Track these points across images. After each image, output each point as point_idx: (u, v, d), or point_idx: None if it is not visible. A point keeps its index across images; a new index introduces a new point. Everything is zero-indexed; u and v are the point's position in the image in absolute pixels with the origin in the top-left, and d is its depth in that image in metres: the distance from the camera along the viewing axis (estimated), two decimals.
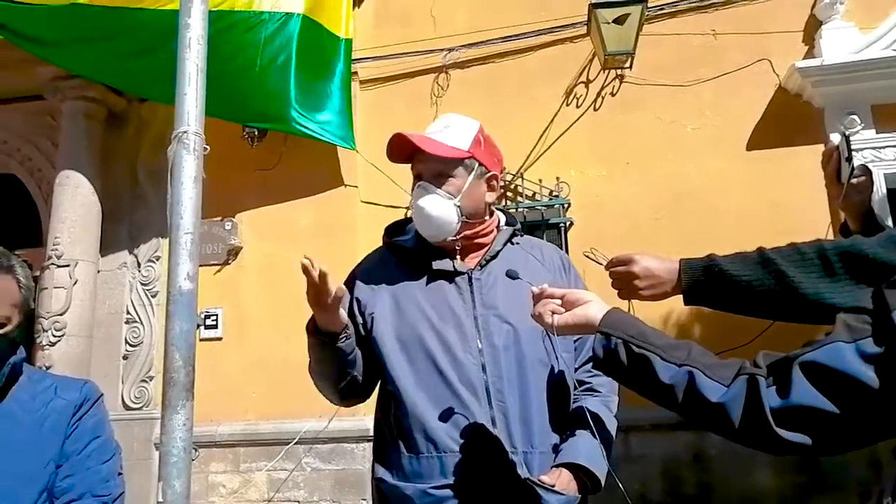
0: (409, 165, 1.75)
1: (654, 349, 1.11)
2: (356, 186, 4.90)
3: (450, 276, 1.67)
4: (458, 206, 1.66)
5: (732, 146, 4.64)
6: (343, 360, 1.60)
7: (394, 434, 1.59)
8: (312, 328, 1.59)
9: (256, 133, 4.90)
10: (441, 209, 1.65)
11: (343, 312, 1.59)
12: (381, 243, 1.84)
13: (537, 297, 1.33)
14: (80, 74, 4.66)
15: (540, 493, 1.46)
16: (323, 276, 1.48)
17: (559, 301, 1.29)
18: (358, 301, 1.70)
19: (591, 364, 1.67)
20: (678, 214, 4.57)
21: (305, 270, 1.48)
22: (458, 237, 1.69)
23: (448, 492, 1.49)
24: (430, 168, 1.69)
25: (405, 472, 1.55)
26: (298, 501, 4.53)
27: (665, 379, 1.08)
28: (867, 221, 1.63)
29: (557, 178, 4.72)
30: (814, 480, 4.13)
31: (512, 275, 1.57)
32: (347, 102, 4.73)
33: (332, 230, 4.79)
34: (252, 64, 4.20)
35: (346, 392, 1.68)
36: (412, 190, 1.71)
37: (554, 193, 4.72)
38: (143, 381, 4.86)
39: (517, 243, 1.78)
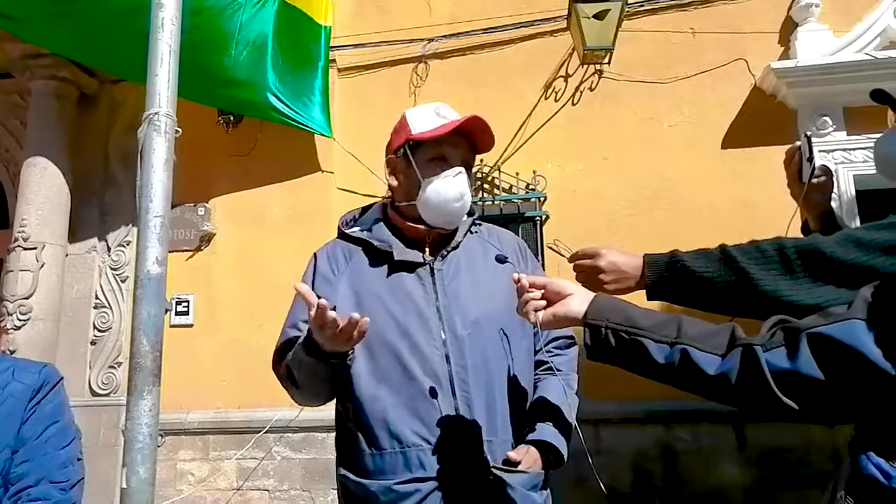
0: (400, 141, 1.68)
1: (644, 333, 1.11)
2: (332, 172, 4.87)
3: (411, 266, 1.62)
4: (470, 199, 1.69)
5: (708, 144, 4.69)
6: (340, 374, 1.53)
7: (354, 431, 1.55)
8: (315, 350, 1.44)
9: (232, 118, 4.84)
10: (469, 201, 1.66)
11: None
12: None
13: (520, 291, 1.31)
14: (52, 51, 4.53)
15: (505, 479, 1.46)
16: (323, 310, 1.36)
17: (541, 293, 1.28)
18: (318, 296, 1.62)
19: (550, 344, 1.70)
20: (653, 210, 4.61)
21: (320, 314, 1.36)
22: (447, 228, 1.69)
23: (412, 486, 1.46)
24: (464, 157, 1.67)
25: (368, 469, 1.51)
26: (268, 490, 4.51)
27: (660, 359, 1.09)
28: (827, 221, 1.66)
29: (534, 172, 4.73)
30: (778, 474, 4.21)
31: (501, 258, 1.59)
32: (325, 90, 4.69)
33: (307, 217, 4.75)
34: (228, 48, 4.11)
35: (329, 398, 1.64)
36: (429, 170, 1.63)
37: (530, 187, 4.73)
38: (112, 366, 4.79)
39: (476, 232, 1.78)
